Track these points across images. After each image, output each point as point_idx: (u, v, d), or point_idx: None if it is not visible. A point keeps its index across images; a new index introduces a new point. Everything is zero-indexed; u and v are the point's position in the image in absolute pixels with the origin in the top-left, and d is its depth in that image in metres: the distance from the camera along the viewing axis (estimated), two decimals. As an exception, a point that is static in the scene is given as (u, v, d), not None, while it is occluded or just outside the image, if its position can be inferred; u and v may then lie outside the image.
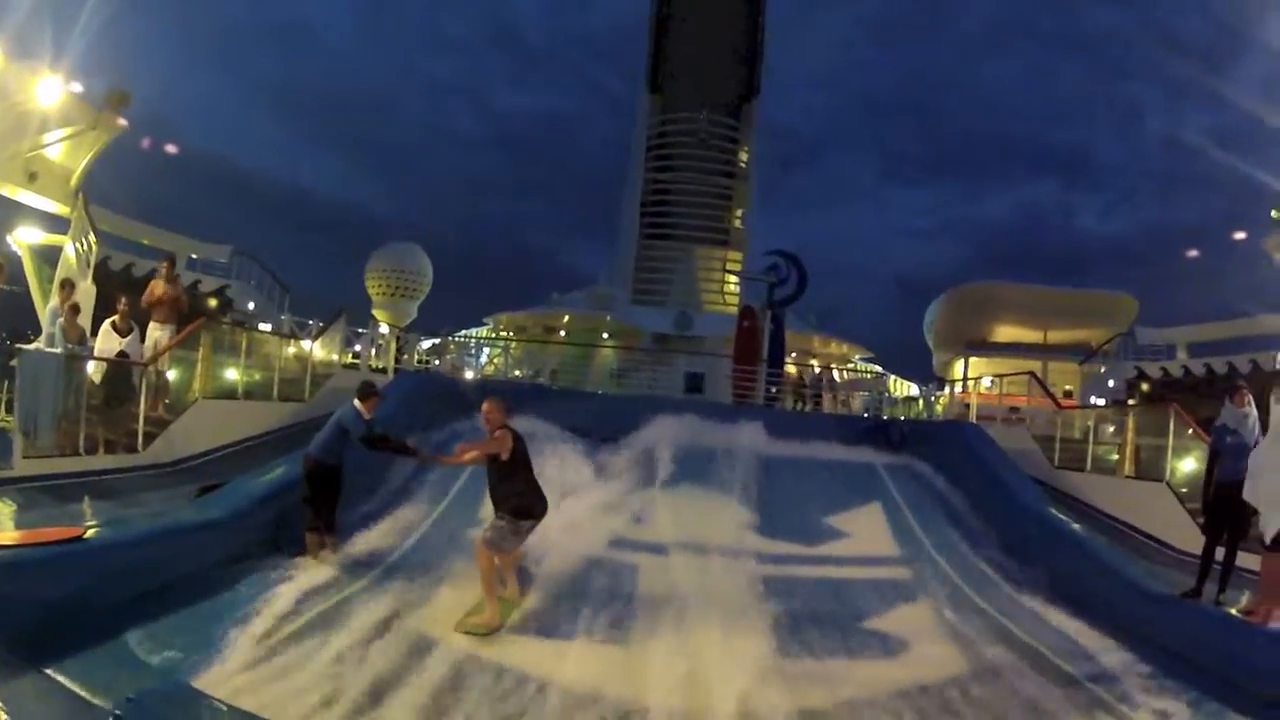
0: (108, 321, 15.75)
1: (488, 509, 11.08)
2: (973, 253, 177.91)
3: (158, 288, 17.04)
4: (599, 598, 11.59)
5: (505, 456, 10.58)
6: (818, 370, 42.50)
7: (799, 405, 31.71)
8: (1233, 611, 10.89)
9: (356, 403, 12.47)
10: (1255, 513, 10.95)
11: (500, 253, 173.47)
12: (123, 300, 16.08)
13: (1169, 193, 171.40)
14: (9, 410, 13.88)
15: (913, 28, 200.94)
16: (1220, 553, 11.44)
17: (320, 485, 12.26)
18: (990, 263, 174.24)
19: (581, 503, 14.93)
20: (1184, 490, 15.79)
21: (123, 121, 19.05)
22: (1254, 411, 11.39)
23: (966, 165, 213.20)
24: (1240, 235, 35.87)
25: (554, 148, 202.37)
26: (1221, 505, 11.34)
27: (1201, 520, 12.57)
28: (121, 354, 15.43)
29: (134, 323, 15.97)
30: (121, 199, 28.58)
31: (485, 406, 10.94)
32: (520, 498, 10.66)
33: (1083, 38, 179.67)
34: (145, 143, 26.18)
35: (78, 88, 17.37)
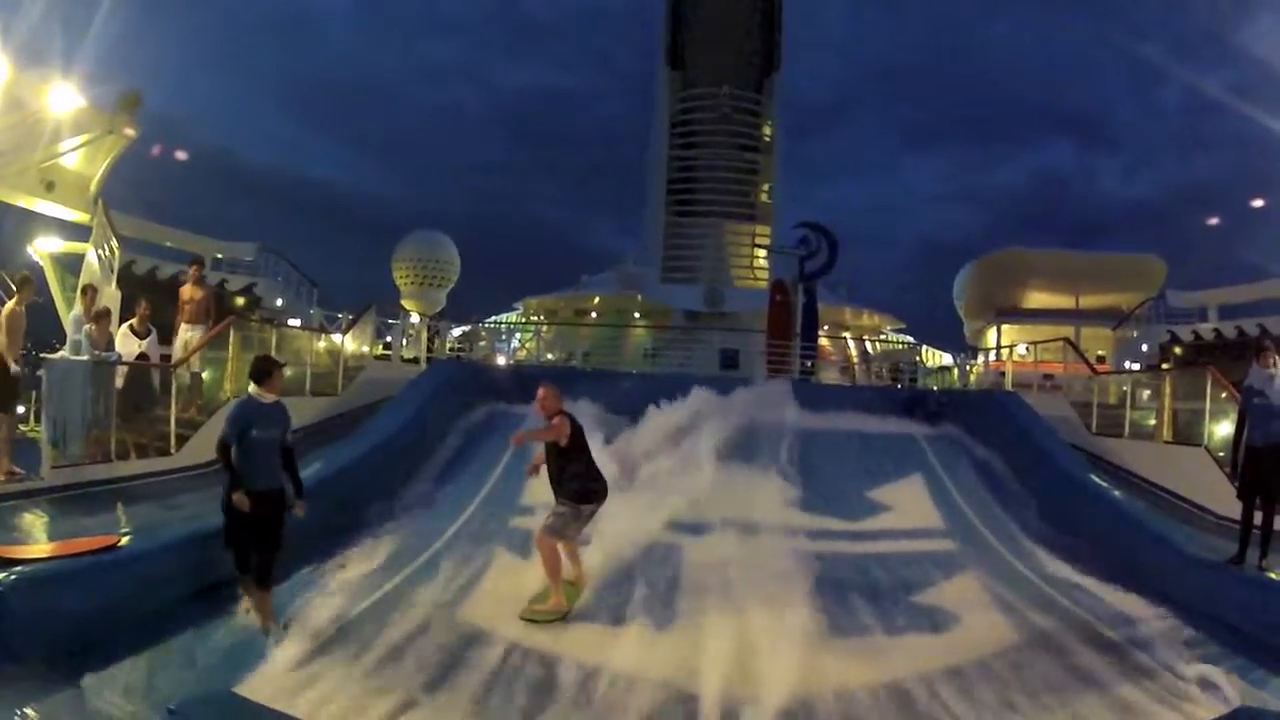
0: (125, 325, 15.74)
1: (530, 495, 11.03)
2: (994, 218, 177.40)
3: (186, 290, 17.03)
4: (644, 579, 11.56)
5: (564, 443, 10.59)
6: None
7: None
8: (1275, 576, 10.80)
9: (252, 387, 9.67)
10: None
11: (524, 236, 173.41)
12: (142, 303, 16.07)
13: (1190, 152, 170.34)
14: (37, 420, 13.87)
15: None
16: (1259, 517, 11.32)
17: (240, 519, 9.06)
18: (1012, 228, 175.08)
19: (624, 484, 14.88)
20: (1222, 454, 15.55)
21: (130, 131, 19.04)
22: None
23: (983, 130, 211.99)
24: (1259, 203, 35.41)
25: (567, 126, 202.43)
26: (1253, 468, 11.26)
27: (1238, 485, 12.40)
28: (142, 356, 15.44)
29: (151, 325, 15.93)
30: (138, 203, 28.67)
31: (541, 393, 10.92)
32: (580, 482, 10.65)
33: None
34: (155, 149, 26.06)
35: (88, 101, 17.36)
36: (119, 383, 14.24)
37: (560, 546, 10.59)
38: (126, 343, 15.40)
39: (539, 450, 11.11)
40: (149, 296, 16.63)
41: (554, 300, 70.22)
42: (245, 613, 9.31)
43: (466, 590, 11.02)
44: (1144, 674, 9.10)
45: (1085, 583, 12.42)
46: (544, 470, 10.97)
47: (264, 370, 9.63)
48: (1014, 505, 16.44)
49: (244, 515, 8.92)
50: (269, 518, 9.15)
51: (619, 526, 12.69)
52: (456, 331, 37.07)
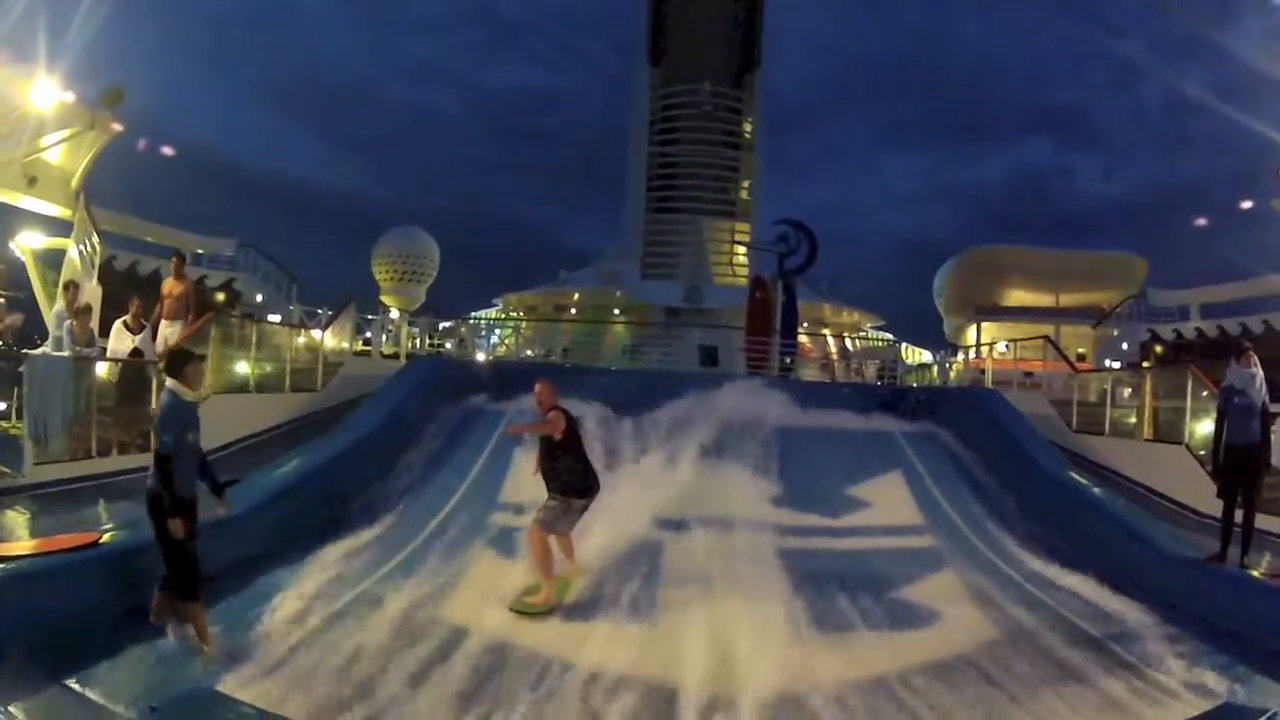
0: (119, 321, 15.68)
1: (510, 491, 11.05)
2: (974, 217, 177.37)
3: (167, 284, 16.94)
4: (623, 576, 11.61)
5: (558, 437, 10.80)
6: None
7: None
8: (1256, 574, 10.90)
9: (170, 383, 8.44)
10: (1265, 467, 11.30)
11: (503, 232, 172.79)
12: (135, 300, 16.02)
13: (1171, 151, 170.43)
14: (19, 417, 13.79)
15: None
16: (1239, 515, 11.40)
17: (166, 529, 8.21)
18: (992, 226, 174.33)
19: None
20: (1203, 452, 15.64)
21: (117, 126, 19.01)
22: (1260, 372, 11.38)
23: (963, 128, 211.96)
24: (1247, 204, 35.44)
25: (548, 124, 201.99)
26: (1232, 467, 11.33)
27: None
28: (136, 352, 15.34)
29: (144, 321, 15.85)
30: (118, 197, 28.46)
31: (538, 388, 11.16)
32: (571, 476, 10.89)
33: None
34: (141, 144, 25.92)
35: (70, 96, 17.30)
36: (112, 379, 14.22)
37: (554, 540, 10.74)
38: (121, 339, 15.39)
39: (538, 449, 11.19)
40: (136, 293, 16.59)
41: (533, 296, 70.41)
42: (192, 639, 8.34)
43: (447, 587, 10.99)
44: (1127, 670, 9.16)
45: (1066, 579, 12.45)
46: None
47: (181, 362, 8.59)
48: (994, 502, 16.43)
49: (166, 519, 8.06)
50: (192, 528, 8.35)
51: (600, 522, 12.71)
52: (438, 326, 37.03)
